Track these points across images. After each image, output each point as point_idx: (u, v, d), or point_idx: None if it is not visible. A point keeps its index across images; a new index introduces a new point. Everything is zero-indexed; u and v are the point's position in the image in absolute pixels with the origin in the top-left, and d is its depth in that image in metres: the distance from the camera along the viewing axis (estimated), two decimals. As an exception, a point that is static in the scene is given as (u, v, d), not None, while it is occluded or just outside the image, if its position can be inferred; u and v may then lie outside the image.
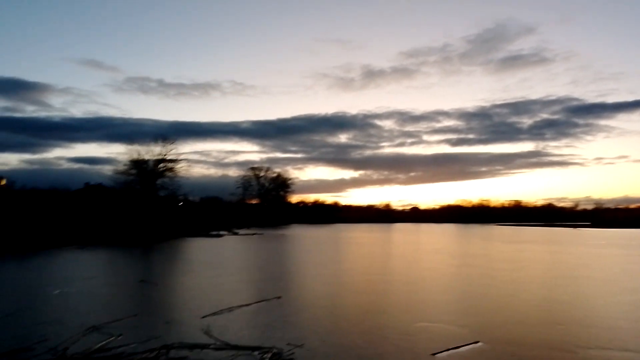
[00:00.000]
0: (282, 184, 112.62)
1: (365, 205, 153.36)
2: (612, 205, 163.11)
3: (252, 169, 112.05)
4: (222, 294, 14.10)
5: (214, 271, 20.14)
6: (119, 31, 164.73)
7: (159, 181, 57.99)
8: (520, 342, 8.85)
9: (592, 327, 10.05)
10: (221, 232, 57.35)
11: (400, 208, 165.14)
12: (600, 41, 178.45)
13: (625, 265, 23.30)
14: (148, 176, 56.80)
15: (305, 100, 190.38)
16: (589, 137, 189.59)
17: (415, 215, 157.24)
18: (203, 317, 10.83)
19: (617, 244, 42.65)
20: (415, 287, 15.90)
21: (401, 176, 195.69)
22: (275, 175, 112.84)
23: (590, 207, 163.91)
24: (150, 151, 56.91)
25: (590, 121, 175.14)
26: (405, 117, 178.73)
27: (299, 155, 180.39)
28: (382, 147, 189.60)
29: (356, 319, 10.79)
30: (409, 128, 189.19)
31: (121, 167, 55.76)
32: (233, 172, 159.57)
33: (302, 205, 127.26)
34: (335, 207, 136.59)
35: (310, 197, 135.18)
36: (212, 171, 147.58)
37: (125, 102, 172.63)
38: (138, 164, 56.35)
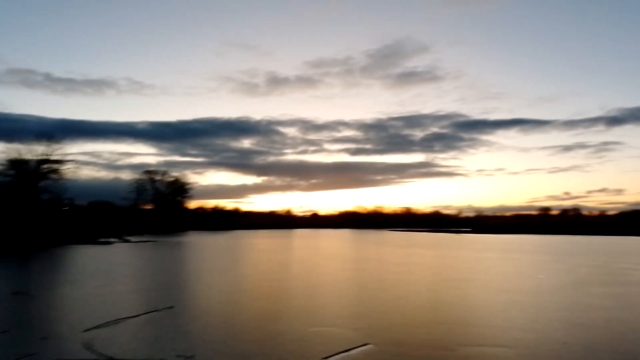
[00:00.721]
0: (180, 189, 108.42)
1: (267, 212, 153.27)
2: (490, 213, 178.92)
3: (148, 172, 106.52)
4: (108, 305, 13.22)
5: (100, 281, 18.82)
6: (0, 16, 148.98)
7: (42, 183, 53.12)
8: (407, 342, 9.35)
9: (471, 326, 10.90)
10: (111, 240, 53.83)
11: (301, 214, 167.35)
12: (485, 63, 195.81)
13: (499, 268, 25.62)
14: (29, 178, 51.72)
15: (208, 103, 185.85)
16: (472, 151, 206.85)
17: (315, 221, 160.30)
18: (85, 330, 10.06)
19: (494, 248, 46.79)
20: (311, 292, 16.14)
21: (303, 183, 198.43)
22: (172, 179, 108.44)
23: (472, 214, 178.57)
24: (33, 150, 51.99)
25: (474, 136, 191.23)
26: (308, 126, 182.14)
27: (199, 159, 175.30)
28: (285, 153, 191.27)
29: (251, 327, 10.69)
30: (312, 136, 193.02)
31: (-3, 167, 50.29)
32: (126, 175, 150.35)
33: (200, 211, 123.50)
34: (236, 213, 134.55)
35: (210, 203, 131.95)
36: (103, 174, 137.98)
37: (6, 96, 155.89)
38: (17, 164, 51.14)
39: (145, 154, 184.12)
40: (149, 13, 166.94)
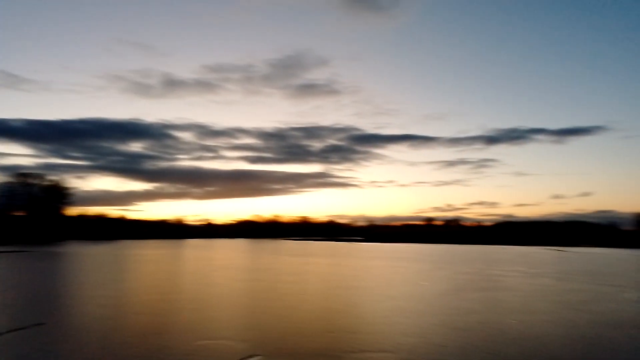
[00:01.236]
0: (58, 194, 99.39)
1: (157, 220, 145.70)
2: (381, 223, 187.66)
3: (21, 175, 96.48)
4: (-39, 326, 11.60)
5: (-45, 297, 16.52)
6: None
7: None
8: (295, 352, 9.32)
9: (358, 333, 11.18)
10: (-27, 250, 47.75)
11: (195, 223, 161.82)
12: (380, 80, 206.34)
13: (388, 276, 26.81)
14: None
15: (94, 102, 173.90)
16: (366, 163, 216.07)
17: (210, 231, 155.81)
18: None
19: (383, 256, 48.96)
20: (200, 304, 15.55)
21: (197, 190, 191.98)
22: (50, 183, 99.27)
23: (364, 223, 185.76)
24: None
25: (368, 149, 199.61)
26: (205, 131, 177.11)
27: (81, 163, 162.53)
28: (179, 159, 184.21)
29: (132, 343, 9.98)
30: (208, 142, 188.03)
31: None
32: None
33: (82, 219, 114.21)
34: (122, 221, 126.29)
35: (93, 210, 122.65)
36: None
37: None
38: None
39: (20, 155, 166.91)
40: (30, 1, 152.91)
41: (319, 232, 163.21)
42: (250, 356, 8.89)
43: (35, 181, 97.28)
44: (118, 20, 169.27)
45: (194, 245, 78.71)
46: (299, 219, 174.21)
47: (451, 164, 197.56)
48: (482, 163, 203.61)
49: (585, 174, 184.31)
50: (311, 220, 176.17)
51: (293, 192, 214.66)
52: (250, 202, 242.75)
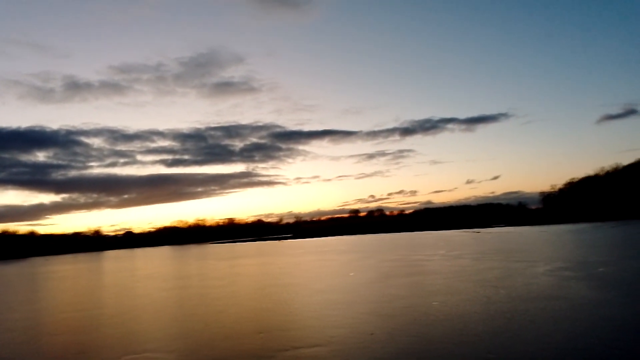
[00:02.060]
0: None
1: (71, 233, 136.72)
2: (308, 218, 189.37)
3: None
4: None
5: None
6: None
7: None
8: (225, 356, 9.15)
9: (289, 330, 11.18)
10: None
11: (113, 233, 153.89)
12: (298, 76, 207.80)
13: (316, 270, 27.07)
14: None
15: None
16: (290, 160, 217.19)
17: (130, 240, 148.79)
18: None
19: (312, 251, 49.38)
20: (122, 318, 14.80)
21: (113, 199, 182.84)
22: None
23: (292, 220, 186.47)
24: None
25: (291, 146, 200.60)
26: (117, 136, 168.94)
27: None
28: (91, 167, 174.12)
29: (47, 367, 9.30)
30: (121, 147, 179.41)
31: None
32: None
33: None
34: (30, 237, 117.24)
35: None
36: None
37: None
38: None
39: None
40: None
41: (247, 232, 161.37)
42: (179, 366, 8.60)
43: None
44: (12, 20, 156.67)
45: (113, 257, 74.80)
46: (224, 221, 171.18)
47: (371, 156, 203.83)
48: (400, 154, 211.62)
49: (494, 159, 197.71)
50: (238, 222, 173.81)
51: (217, 194, 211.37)
52: (172, 207, 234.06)
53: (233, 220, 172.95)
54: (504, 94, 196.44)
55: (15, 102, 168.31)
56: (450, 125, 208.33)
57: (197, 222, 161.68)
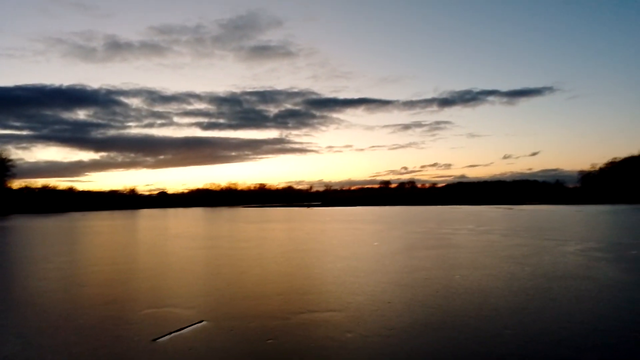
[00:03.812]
0: (0, 166, 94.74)
1: (108, 191, 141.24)
2: (338, 187, 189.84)
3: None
4: None
5: None
6: None
7: None
8: (243, 315, 9.33)
9: (307, 294, 11.29)
10: None
11: (148, 193, 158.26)
12: (336, 42, 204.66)
13: (341, 238, 27.19)
14: None
15: (34, 68, 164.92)
16: (323, 128, 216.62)
17: (164, 200, 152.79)
18: None
19: (339, 219, 49.62)
20: (149, 274, 15.28)
21: (149, 159, 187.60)
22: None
23: (322, 189, 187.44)
24: None
25: (325, 114, 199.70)
26: (155, 97, 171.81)
27: (24, 132, 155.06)
28: (129, 127, 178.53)
29: (75, 314, 9.70)
30: (159, 108, 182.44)
31: None
32: None
33: (27, 191, 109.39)
34: (70, 193, 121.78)
35: (39, 182, 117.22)
36: None
37: None
38: None
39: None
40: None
41: (277, 198, 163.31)
42: (197, 322, 8.83)
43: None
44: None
45: (147, 215, 77.15)
46: (256, 186, 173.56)
47: (406, 127, 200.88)
48: (436, 125, 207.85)
49: (534, 134, 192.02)
50: (269, 187, 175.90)
51: (249, 159, 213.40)
52: (206, 169, 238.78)
53: (264, 186, 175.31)
54: (549, 67, 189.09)
55: (58, 60, 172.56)
56: (491, 98, 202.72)
57: (229, 185, 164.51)
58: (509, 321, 8.59)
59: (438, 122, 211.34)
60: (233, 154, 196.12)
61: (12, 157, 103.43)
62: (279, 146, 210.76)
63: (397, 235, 27.66)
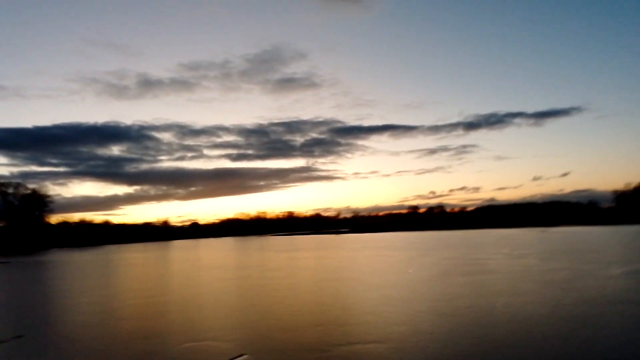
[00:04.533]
0: (38, 202, 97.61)
1: (141, 223, 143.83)
2: (366, 213, 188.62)
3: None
4: (-63, 343, 11.21)
5: None
6: None
7: None
8: (283, 348, 9.19)
9: (346, 325, 11.09)
10: (-50, 264, 46.53)
11: (180, 224, 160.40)
12: (359, 71, 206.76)
13: (374, 265, 26.82)
14: None
15: (70, 107, 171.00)
16: (349, 155, 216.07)
17: (195, 231, 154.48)
18: None
19: (369, 246, 49.09)
20: (186, 306, 15.32)
21: (181, 191, 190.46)
22: (29, 192, 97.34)
23: (349, 215, 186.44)
24: None
25: (350, 141, 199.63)
26: (185, 131, 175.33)
27: (61, 169, 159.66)
28: (161, 160, 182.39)
29: (117, 349, 9.75)
30: (189, 142, 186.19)
31: None
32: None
33: (64, 226, 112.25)
34: (105, 226, 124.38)
35: (75, 217, 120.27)
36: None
37: None
38: None
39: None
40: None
41: (305, 226, 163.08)
42: (238, 356, 8.74)
43: (13, 190, 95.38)
44: (89, 21, 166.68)
45: (179, 247, 77.99)
46: (284, 214, 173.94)
47: (432, 151, 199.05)
48: (463, 149, 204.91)
49: (564, 155, 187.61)
50: (297, 215, 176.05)
51: (277, 187, 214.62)
52: (235, 200, 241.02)
53: (292, 214, 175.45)
54: (576, 86, 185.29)
55: (93, 99, 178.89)
56: (517, 120, 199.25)
57: (259, 214, 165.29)
58: (562, 351, 8.21)
59: (464, 146, 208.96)
60: (261, 183, 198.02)
61: (50, 193, 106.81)
62: (305, 174, 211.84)
63: (431, 262, 27.13)
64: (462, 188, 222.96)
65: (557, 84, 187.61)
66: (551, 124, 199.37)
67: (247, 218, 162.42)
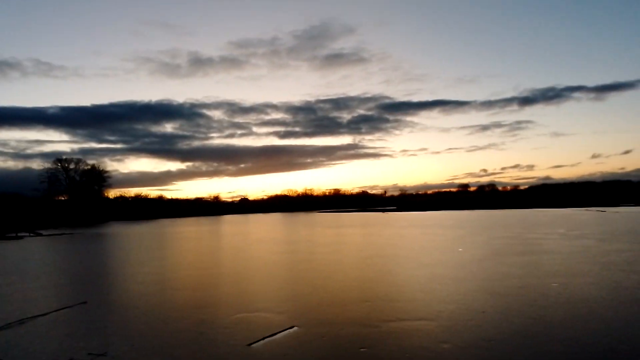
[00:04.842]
0: (97, 178, 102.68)
1: (193, 198, 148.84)
2: (414, 192, 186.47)
3: (60, 160, 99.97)
4: (13, 305, 12.10)
5: (6, 279, 17.25)
6: None
7: None
8: (332, 322, 9.29)
9: (394, 301, 11.07)
10: (20, 234, 49.95)
11: (230, 199, 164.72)
12: (409, 45, 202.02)
13: (422, 243, 26.55)
14: None
15: (125, 85, 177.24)
16: (397, 132, 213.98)
17: (244, 206, 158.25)
18: (-18, 335, 9.09)
19: (417, 225, 48.60)
20: (237, 278, 15.76)
21: (231, 167, 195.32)
22: (88, 167, 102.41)
23: (396, 193, 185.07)
24: None
25: (399, 117, 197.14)
26: (235, 108, 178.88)
27: (118, 146, 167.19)
28: (211, 137, 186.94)
29: (172, 318, 10.18)
30: (239, 119, 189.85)
31: None
32: (37, 165, 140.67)
33: (121, 200, 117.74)
34: (160, 201, 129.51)
35: (132, 191, 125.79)
36: (11, 164, 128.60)
37: None
38: None
39: (58, 142, 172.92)
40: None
41: (351, 203, 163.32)
42: (289, 327, 8.91)
43: (75, 166, 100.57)
44: (144, 2, 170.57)
45: (230, 221, 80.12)
46: (330, 191, 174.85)
47: (485, 127, 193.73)
48: (517, 125, 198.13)
49: (626, 131, 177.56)
50: (343, 192, 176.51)
51: (324, 165, 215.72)
52: (283, 176, 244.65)
53: (339, 191, 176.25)
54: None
55: (147, 78, 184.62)
56: (576, 94, 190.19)
57: (306, 191, 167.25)
58: (623, 335, 7.86)
59: (519, 122, 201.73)
60: (308, 160, 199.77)
61: (108, 168, 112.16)
62: (352, 152, 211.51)
63: (482, 241, 26.55)
64: (516, 166, 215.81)
65: (620, 55, 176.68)
66: (613, 98, 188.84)
67: (294, 195, 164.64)
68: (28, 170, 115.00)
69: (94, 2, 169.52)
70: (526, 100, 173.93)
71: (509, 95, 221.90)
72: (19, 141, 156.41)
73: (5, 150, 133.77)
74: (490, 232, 33.52)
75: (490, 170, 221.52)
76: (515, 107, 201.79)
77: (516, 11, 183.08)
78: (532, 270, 15.08)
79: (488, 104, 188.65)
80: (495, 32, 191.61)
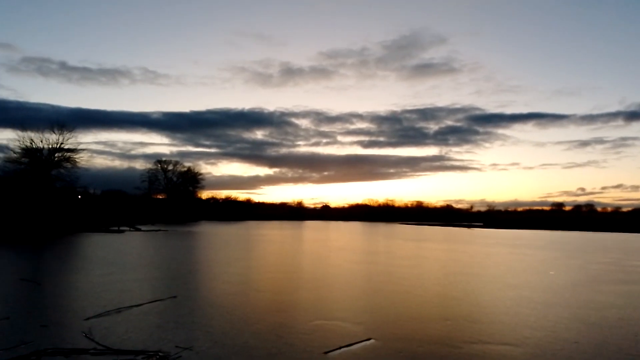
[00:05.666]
0: (192, 179, 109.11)
1: (278, 203, 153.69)
2: (502, 208, 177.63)
3: (160, 162, 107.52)
4: (112, 294, 13.19)
5: (107, 269, 18.86)
6: (16, 5, 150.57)
7: (55, 172, 53.71)
8: (410, 338, 9.13)
9: (477, 323, 10.63)
10: (122, 228, 54.30)
11: (312, 206, 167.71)
12: (502, 56, 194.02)
13: (510, 263, 25.23)
14: (42, 166, 52.37)
15: (221, 94, 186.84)
16: (487, 145, 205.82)
17: (326, 213, 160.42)
18: (86, 319, 10.01)
19: (504, 243, 46.26)
20: (317, 284, 15.97)
21: (315, 175, 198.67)
22: (185, 169, 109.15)
23: (483, 209, 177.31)
24: (46, 139, 52.61)
25: (489, 130, 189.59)
26: (321, 117, 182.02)
27: (212, 150, 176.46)
28: (298, 145, 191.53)
29: (254, 319, 10.55)
30: (324, 128, 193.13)
31: (11, 155, 51.01)
32: (140, 165, 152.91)
33: (212, 201, 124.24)
34: (247, 203, 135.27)
35: (223, 193, 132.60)
36: (117, 163, 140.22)
37: (21, 84, 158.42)
38: (31, 153, 51.78)
39: (159, 144, 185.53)
40: (163, 2, 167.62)
41: (435, 216, 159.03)
42: (366, 339, 8.89)
43: (173, 167, 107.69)
44: (239, 14, 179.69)
45: (311, 227, 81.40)
46: (413, 203, 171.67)
47: (584, 143, 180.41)
48: (622, 142, 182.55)
49: None
50: (426, 205, 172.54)
51: (407, 176, 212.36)
52: (365, 185, 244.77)
53: (421, 203, 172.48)
54: None
55: (241, 86, 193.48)
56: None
57: (387, 201, 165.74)
58: None
59: (624, 139, 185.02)
60: (391, 170, 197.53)
61: (202, 171, 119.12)
62: (438, 163, 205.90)
63: (576, 265, 24.71)
64: (618, 186, 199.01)
65: None
66: None
67: (376, 204, 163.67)
68: (132, 170, 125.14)
69: (193, 15, 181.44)
70: (633, 115, 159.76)
71: (613, 109, 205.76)
72: (125, 142, 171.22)
73: (113, 150, 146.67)
74: (587, 256, 31.09)
75: (588, 190, 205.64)
76: (620, 122, 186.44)
77: (622, 19, 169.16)
78: (634, 301, 13.79)
79: (589, 118, 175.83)
80: (598, 40, 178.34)
